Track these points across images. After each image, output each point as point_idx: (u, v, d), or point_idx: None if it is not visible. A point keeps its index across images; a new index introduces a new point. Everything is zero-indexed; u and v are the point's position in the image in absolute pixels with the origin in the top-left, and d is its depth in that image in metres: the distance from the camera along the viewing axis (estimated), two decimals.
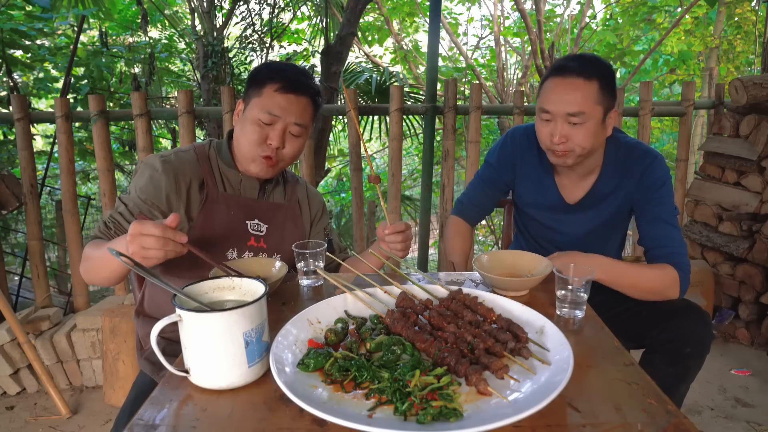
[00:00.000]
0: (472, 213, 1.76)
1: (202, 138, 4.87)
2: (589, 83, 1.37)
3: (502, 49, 7.07)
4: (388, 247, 1.35)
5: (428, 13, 3.22)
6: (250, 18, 4.69)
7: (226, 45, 4.48)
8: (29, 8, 3.67)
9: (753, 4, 6.50)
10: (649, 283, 1.39)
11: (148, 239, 1.02)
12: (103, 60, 4.18)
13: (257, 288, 0.93)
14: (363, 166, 2.93)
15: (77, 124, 3.51)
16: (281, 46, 5.89)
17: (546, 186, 1.61)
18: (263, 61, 4.67)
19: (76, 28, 4.03)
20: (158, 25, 5.95)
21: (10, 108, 2.73)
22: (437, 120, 3.04)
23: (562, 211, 1.61)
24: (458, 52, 7.53)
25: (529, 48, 5.72)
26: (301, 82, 1.36)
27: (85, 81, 4.15)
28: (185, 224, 1.35)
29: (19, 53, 3.91)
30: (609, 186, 1.54)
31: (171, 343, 1.33)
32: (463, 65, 7.26)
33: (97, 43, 4.63)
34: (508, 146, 1.67)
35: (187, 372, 0.86)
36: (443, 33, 6.78)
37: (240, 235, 1.40)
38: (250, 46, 4.71)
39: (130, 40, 5.36)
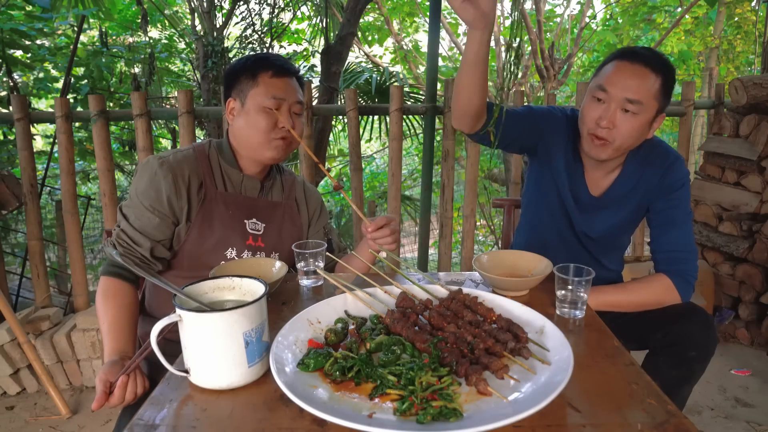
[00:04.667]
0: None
1: (203, 138, 4.87)
2: (655, 76, 1.34)
3: (502, 49, 7.07)
4: (377, 243, 1.35)
5: (428, 13, 3.22)
6: (250, 18, 4.69)
7: (226, 45, 4.48)
8: (29, 8, 3.66)
9: (753, 4, 6.50)
10: (643, 298, 1.40)
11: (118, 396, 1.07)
12: (103, 60, 4.17)
13: (257, 288, 0.93)
14: (363, 166, 2.93)
15: (77, 124, 3.51)
16: (281, 46, 5.89)
17: (575, 177, 1.54)
18: None
19: (76, 28, 4.03)
20: (158, 25, 5.95)
21: (10, 108, 2.73)
22: (437, 120, 3.04)
23: (587, 204, 1.55)
24: (458, 52, 7.53)
25: (529, 48, 5.72)
26: (288, 65, 1.43)
27: (85, 81, 4.15)
28: (183, 225, 1.35)
29: (19, 53, 3.91)
30: (629, 183, 1.50)
31: (171, 343, 1.33)
32: None
33: (97, 43, 4.63)
34: (560, 116, 1.54)
35: (187, 372, 0.86)
36: (443, 33, 6.78)
37: (239, 235, 1.40)
38: (250, 46, 4.71)
39: (130, 40, 5.36)
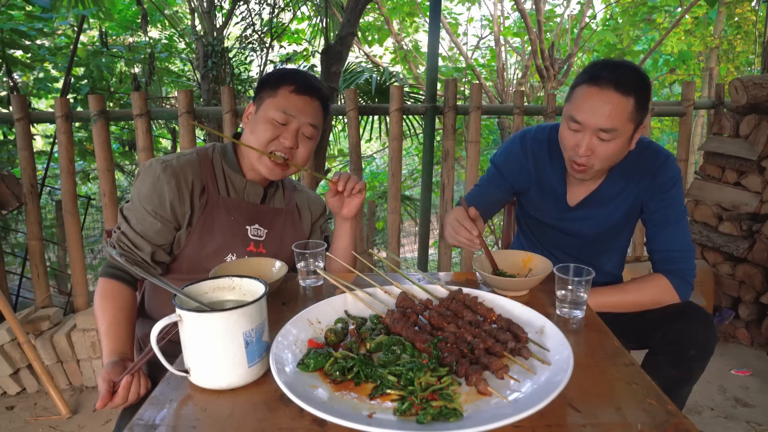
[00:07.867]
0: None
1: (202, 138, 4.87)
2: (626, 99, 1.28)
3: (502, 49, 7.07)
4: (356, 197, 1.38)
5: (428, 13, 3.22)
6: (250, 18, 4.69)
7: (226, 45, 4.48)
8: (29, 8, 3.66)
9: (753, 4, 6.51)
10: (641, 299, 1.40)
11: (122, 396, 1.09)
12: (103, 60, 4.17)
13: (257, 288, 0.93)
14: (363, 166, 2.93)
15: (77, 124, 3.51)
16: (281, 46, 5.89)
17: (556, 190, 1.57)
18: (263, 61, 4.67)
19: (76, 28, 4.03)
20: (158, 25, 5.95)
21: (10, 108, 2.73)
22: (437, 120, 3.04)
23: (565, 212, 1.57)
24: (458, 52, 7.53)
25: (529, 48, 5.72)
26: (314, 84, 1.39)
27: (85, 81, 4.15)
28: (184, 230, 1.35)
29: (19, 53, 3.91)
30: (614, 188, 1.50)
31: (171, 343, 1.33)
32: (463, 65, 7.26)
33: (97, 43, 4.63)
34: (518, 151, 1.58)
35: (187, 372, 0.86)
36: (443, 33, 6.78)
37: (240, 241, 1.40)
38: (250, 46, 4.71)
39: (130, 40, 5.37)
